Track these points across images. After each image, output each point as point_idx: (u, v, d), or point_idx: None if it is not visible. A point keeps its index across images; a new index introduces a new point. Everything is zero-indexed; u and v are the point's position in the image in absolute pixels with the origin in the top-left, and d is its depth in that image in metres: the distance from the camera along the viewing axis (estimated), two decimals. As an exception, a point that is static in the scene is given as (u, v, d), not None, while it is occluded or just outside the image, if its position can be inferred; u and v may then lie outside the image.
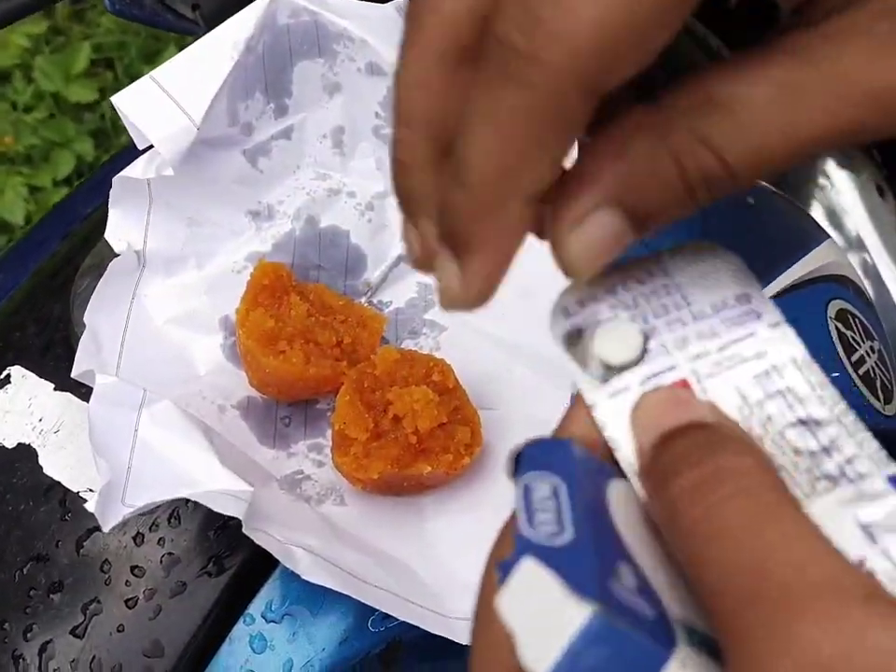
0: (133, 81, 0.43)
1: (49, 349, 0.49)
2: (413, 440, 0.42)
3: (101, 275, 0.44)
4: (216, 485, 0.38)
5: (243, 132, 0.47)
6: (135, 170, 0.44)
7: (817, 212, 0.78)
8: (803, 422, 0.21)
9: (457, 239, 0.21)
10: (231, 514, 0.38)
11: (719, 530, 0.18)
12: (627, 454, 0.21)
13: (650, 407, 0.22)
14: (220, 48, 0.44)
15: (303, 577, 0.39)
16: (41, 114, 1.39)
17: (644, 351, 0.22)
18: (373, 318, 0.46)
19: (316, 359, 0.44)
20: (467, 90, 0.20)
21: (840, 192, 0.81)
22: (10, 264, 0.57)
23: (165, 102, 0.43)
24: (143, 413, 0.40)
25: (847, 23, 0.20)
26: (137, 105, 0.43)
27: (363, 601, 0.39)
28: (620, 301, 0.23)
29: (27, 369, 0.48)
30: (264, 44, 0.45)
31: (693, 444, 0.20)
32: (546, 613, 0.18)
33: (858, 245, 0.97)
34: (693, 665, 0.18)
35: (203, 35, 0.50)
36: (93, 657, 0.41)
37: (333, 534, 0.42)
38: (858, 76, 0.19)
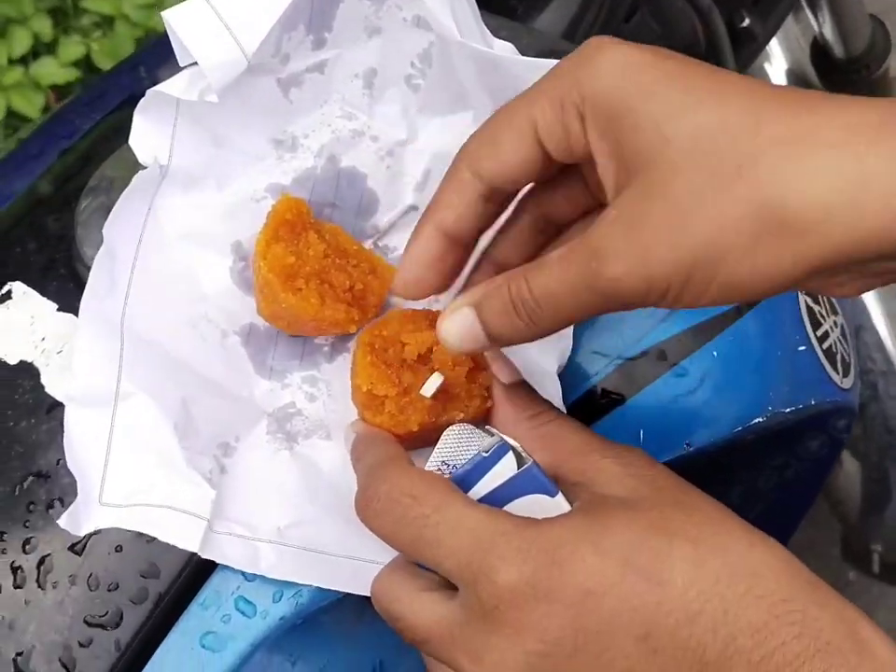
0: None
1: (51, 268, 0.48)
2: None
3: (105, 196, 0.43)
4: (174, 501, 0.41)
5: (281, 61, 0.46)
6: (174, 87, 0.43)
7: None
8: None
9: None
10: (185, 547, 0.41)
11: None
12: None
13: None
14: None
15: (269, 576, 0.41)
16: (-3, -15, 1.31)
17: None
18: (386, 269, 0.47)
19: (331, 301, 0.44)
20: None
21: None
22: (3, 173, 0.55)
23: (219, 29, 0.41)
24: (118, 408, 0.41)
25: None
26: (189, 25, 0.41)
27: (328, 587, 0.42)
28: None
29: (28, 286, 0.47)
30: None
31: None
32: None
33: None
34: None
35: None
36: (91, 574, 0.42)
37: (310, 493, 0.43)
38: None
